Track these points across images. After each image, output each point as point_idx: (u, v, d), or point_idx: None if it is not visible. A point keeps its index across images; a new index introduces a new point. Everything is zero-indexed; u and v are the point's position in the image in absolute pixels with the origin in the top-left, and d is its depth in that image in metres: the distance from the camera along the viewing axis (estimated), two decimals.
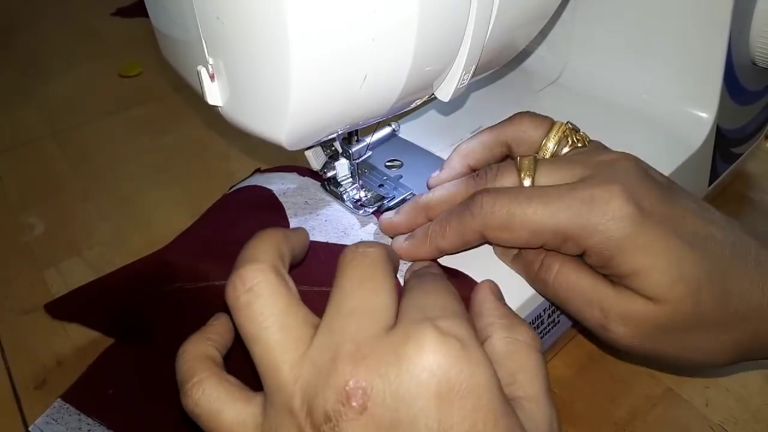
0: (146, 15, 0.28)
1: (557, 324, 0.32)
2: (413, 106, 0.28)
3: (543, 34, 0.41)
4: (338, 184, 0.33)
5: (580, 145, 0.29)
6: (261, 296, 0.20)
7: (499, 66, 0.31)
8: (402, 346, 0.19)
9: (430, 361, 0.18)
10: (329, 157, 0.32)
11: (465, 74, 0.26)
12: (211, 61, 0.24)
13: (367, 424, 0.18)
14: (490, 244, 0.28)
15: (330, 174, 0.33)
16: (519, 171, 0.27)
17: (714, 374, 0.34)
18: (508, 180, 0.27)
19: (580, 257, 0.26)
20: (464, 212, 0.27)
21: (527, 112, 0.31)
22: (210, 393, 0.21)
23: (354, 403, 0.18)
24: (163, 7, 0.26)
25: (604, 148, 0.29)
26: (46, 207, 0.50)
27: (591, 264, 0.26)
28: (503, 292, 0.27)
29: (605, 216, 0.24)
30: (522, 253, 0.28)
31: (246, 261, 0.21)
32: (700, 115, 0.36)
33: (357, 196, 0.33)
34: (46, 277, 0.43)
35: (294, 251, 0.24)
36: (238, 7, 0.21)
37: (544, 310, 0.30)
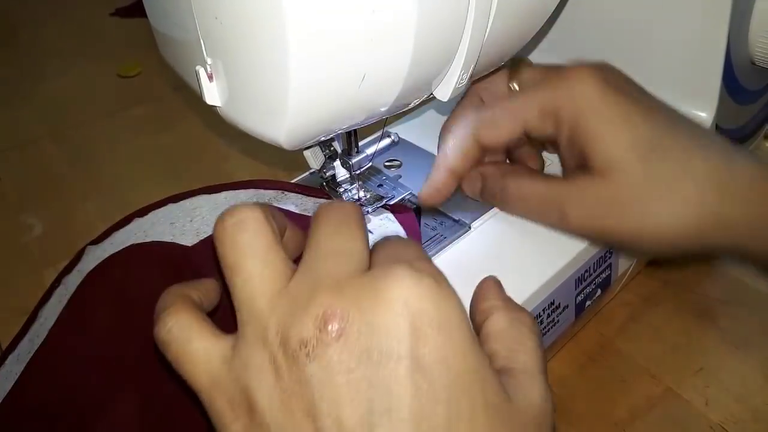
0: (145, 15, 0.28)
1: (557, 324, 0.32)
2: (412, 105, 0.28)
3: (542, 33, 0.41)
4: (337, 184, 0.33)
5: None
6: (248, 230, 0.21)
7: (497, 65, 0.31)
8: (379, 281, 0.19)
9: (405, 294, 0.19)
10: (328, 157, 0.32)
11: (464, 74, 0.26)
12: (209, 61, 0.24)
13: (342, 350, 0.18)
14: (486, 149, 0.32)
15: (329, 174, 0.33)
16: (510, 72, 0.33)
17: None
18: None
19: (532, 171, 0.32)
20: (459, 125, 0.32)
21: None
22: (183, 322, 0.21)
23: (330, 329, 0.18)
24: (161, 7, 0.26)
25: None
26: (45, 207, 0.50)
27: (563, 146, 0.30)
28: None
29: (575, 83, 0.28)
30: (485, 185, 0.32)
31: (235, 206, 0.22)
32: (700, 114, 0.36)
33: (356, 196, 0.33)
34: (46, 277, 0.43)
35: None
36: (237, 7, 0.21)
37: (543, 310, 0.30)
